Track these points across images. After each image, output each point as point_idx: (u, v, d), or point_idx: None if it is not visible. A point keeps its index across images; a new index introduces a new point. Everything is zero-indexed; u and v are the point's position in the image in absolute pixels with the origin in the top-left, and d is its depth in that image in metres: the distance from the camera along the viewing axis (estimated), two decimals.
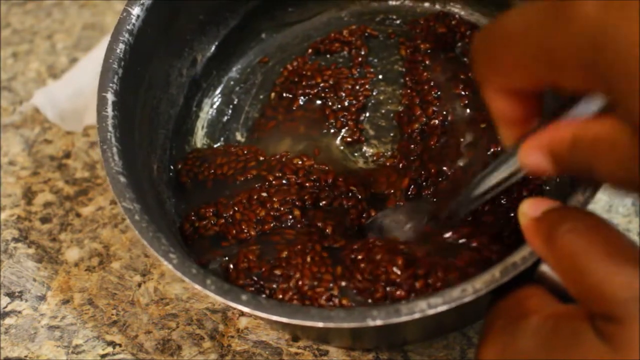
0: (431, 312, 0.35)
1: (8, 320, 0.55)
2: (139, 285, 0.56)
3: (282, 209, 0.50)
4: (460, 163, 0.51)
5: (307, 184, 0.51)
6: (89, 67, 0.68)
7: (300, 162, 0.52)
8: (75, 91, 0.67)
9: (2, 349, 0.53)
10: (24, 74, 0.71)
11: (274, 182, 0.51)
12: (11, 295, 0.56)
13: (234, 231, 0.49)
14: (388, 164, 0.54)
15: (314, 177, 0.51)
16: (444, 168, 0.51)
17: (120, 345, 0.53)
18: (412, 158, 0.52)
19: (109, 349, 0.53)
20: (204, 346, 0.52)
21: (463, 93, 0.53)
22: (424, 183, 0.51)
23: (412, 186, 0.51)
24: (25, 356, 0.53)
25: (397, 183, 0.51)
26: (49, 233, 0.59)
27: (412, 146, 0.53)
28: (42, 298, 0.56)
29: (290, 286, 0.45)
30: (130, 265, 0.57)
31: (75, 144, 0.65)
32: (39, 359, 0.53)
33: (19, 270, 0.58)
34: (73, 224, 0.60)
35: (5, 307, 0.56)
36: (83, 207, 0.61)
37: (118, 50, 0.48)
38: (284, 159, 0.53)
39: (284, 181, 0.51)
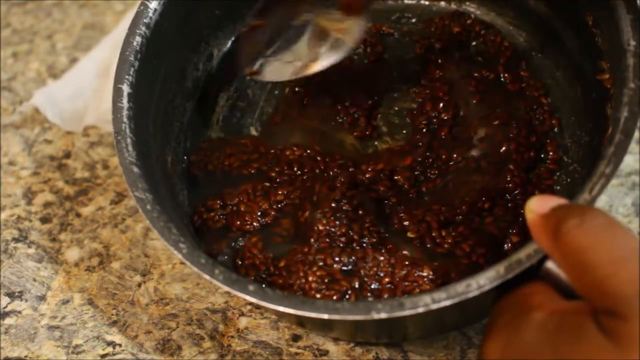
0: (435, 306, 0.36)
1: (8, 320, 0.55)
2: (139, 285, 0.56)
3: (284, 202, 0.51)
4: (474, 153, 0.51)
5: (304, 176, 0.52)
6: (89, 67, 0.68)
7: (290, 154, 0.53)
8: (75, 91, 0.67)
9: (2, 349, 0.53)
10: (24, 74, 0.71)
11: (277, 178, 0.52)
12: (11, 295, 0.56)
13: (238, 223, 0.51)
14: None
15: (307, 168, 0.52)
16: (455, 155, 0.51)
17: (120, 345, 0.53)
18: (418, 144, 0.53)
19: (109, 349, 0.53)
20: (204, 346, 0.52)
21: (476, 90, 0.54)
22: (428, 162, 0.52)
23: (418, 166, 0.52)
24: (25, 356, 0.53)
25: (399, 162, 0.52)
26: (49, 233, 0.59)
27: (419, 136, 0.53)
28: (42, 298, 0.56)
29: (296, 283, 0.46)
30: (130, 265, 0.57)
31: (75, 144, 0.65)
32: (39, 359, 0.53)
33: (19, 270, 0.58)
34: (73, 224, 0.60)
35: (5, 307, 0.56)
36: (83, 207, 0.61)
37: (135, 43, 0.49)
38: (278, 152, 0.54)
39: (285, 178, 0.52)
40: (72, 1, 0.77)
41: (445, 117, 0.53)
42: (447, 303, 0.36)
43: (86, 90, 0.67)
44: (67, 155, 0.64)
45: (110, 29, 0.73)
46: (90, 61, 0.69)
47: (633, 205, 0.55)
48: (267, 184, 0.52)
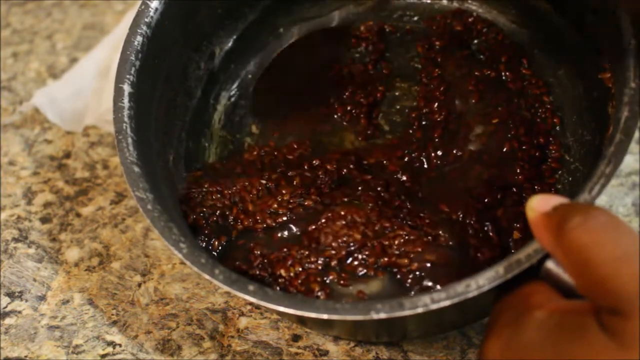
0: (434, 306, 0.36)
1: (8, 320, 0.55)
2: (139, 285, 0.56)
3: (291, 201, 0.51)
4: (472, 148, 0.51)
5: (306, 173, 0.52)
6: (89, 67, 0.68)
7: (288, 152, 0.54)
8: (75, 91, 0.67)
9: (2, 349, 0.53)
10: (24, 74, 0.71)
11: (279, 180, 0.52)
12: (11, 295, 0.56)
13: (246, 222, 0.50)
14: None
15: (306, 165, 0.53)
16: (454, 151, 0.52)
17: (120, 345, 0.53)
18: (412, 140, 0.54)
19: (109, 349, 0.53)
20: (204, 346, 0.52)
21: (475, 89, 0.54)
22: (421, 157, 0.53)
23: (406, 158, 0.53)
24: (25, 356, 0.53)
25: (390, 154, 0.53)
26: (49, 233, 0.59)
27: (410, 131, 0.54)
28: (42, 298, 0.56)
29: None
30: (130, 265, 0.57)
31: (75, 144, 0.65)
32: (39, 359, 0.53)
33: (19, 270, 0.58)
34: (73, 224, 0.60)
35: (5, 307, 0.56)
36: (83, 207, 0.61)
37: (136, 43, 0.49)
38: (277, 153, 0.54)
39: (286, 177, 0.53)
40: (72, 1, 0.77)
41: (438, 118, 0.53)
42: (447, 303, 0.36)
43: (86, 90, 0.67)
44: (67, 155, 0.64)
45: (110, 29, 0.73)
46: (90, 61, 0.69)
47: (633, 205, 0.55)
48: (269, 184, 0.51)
